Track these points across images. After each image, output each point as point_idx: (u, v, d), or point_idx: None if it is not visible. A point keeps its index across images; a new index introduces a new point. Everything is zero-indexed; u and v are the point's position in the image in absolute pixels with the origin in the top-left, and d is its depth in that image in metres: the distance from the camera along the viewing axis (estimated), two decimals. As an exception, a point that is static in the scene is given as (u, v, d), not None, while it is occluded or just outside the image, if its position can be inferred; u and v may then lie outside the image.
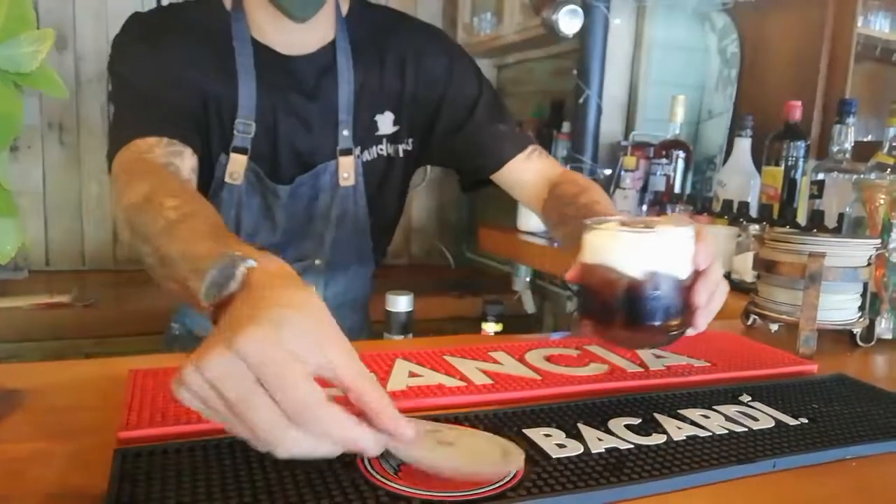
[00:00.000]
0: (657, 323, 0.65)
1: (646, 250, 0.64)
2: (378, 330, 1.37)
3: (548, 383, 0.69)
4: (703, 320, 0.68)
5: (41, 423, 0.56)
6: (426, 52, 1.13)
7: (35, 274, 2.20)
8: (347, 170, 1.12)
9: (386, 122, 1.14)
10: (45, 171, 2.28)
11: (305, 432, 0.42)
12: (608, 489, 0.49)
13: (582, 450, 0.54)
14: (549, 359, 0.76)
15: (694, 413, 0.63)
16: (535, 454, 0.53)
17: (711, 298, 0.69)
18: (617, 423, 0.60)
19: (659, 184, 1.87)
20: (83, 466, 0.49)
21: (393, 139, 1.15)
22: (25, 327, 1.76)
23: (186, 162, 0.93)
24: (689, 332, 0.68)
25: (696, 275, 0.67)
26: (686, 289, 0.66)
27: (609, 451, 0.54)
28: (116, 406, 0.59)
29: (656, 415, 0.62)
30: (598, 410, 0.63)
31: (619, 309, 0.65)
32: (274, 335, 0.43)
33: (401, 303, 0.95)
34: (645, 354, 0.80)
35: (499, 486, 0.47)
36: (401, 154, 1.16)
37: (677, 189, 1.86)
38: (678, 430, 0.59)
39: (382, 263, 1.32)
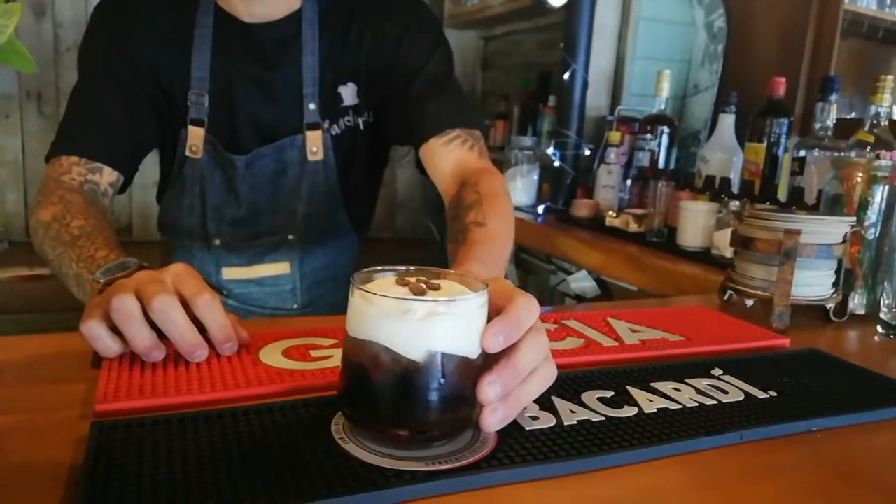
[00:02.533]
0: (424, 418, 0.48)
1: (409, 323, 0.46)
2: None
3: (524, 357, 0.69)
4: (492, 419, 0.49)
5: (19, 397, 0.56)
6: (384, 20, 1.09)
7: (16, 245, 2.18)
8: (316, 143, 1.10)
9: (349, 94, 1.12)
10: (24, 142, 2.24)
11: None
12: (579, 460, 0.50)
13: (554, 422, 0.55)
14: (526, 333, 0.77)
15: (666, 386, 0.64)
16: (508, 426, 0.54)
17: (510, 394, 0.50)
18: (590, 396, 0.61)
19: (643, 159, 1.88)
20: (61, 439, 0.49)
21: (357, 111, 1.13)
22: (4, 300, 1.75)
23: (105, 178, 1.01)
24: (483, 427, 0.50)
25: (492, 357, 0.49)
26: (477, 372, 0.49)
27: (581, 423, 0.55)
28: (92, 380, 0.59)
29: (629, 388, 0.63)
30: (571, 383, 0.64)
31: (379, 399, 0.48)
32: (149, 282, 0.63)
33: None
34: (621, 329, 0.81)
35: (472, 458, 0.48)
36: (361, 126, 1.14)
37: (661, 164, 1.87)
38: (649, 403, 0.60)
39: (367, 237, 1.32)
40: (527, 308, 0.52)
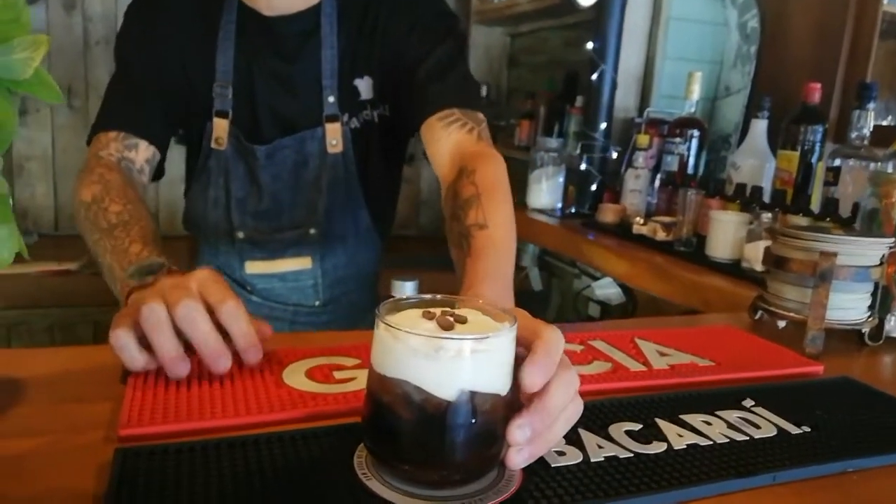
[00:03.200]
0: (453, 459, 0.47)
1: (439, 362, 0.44)
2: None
3: (550, 382, 0.68)
4: (517, 459, 0.48)
5: (44, 417, 0.56)
6: (397, 13, 1.10)
7: (44, 238, 2.21)
8: (335, 136, 1.11)
9: (365, 87, 1.13)
10: (53, 135, 2.27)
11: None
12: (606, 503, 0.48)
13: (581, 458, 0.54)
14: (552, 355, 0.76)
15: (696, 419, 0.63)
16: (534, 463, 0.53)
17: (538, 435, 0.48)
18: (617, 429, 0.59)
19: (672, 163, 1.85)
20: (84, 465, 0.49)
21: (373, 104, 1.14)
22: (34, 294, 1.77)
23: (140, 154, 1.05)
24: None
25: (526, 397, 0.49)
26: (508, 408, 0.48)
27: (609, 459, 0.54)
28: (117, 398, 0.59)
29: (658, 419, 0.62)
30: (599, 413, 0.62)
31: (406, 439, 0.47)
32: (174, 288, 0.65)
33: (407, 289, 0.94)
34: (649, 352, 0.79)
35: (497, 499, 0.47)
36: (376, 120, 1.15)
37: (690, 170, 1.84)
38: (679, 438, 0.58)
39: (393, 235, 1.33)
40: (557, 342, 0.51)
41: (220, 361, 0.63)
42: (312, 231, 1.16)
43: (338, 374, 0.66)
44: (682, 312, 1.31)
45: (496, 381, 0.47)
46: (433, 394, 0.45)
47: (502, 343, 0.47)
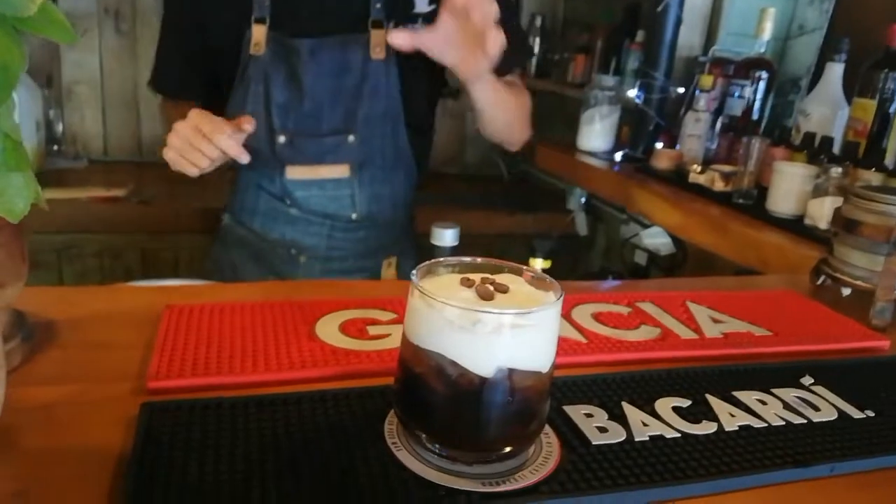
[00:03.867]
0: (487, 437, 0.45)
1: (478, 336, 0.42)
2: (426, 245, 1.37)
3: (593, 348, 0.65)
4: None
5: (73, 363, 0.56)
6: None
7: (94, 164, 2.23)
8: (379, 43, 1.11)
9: (423, 0, 1.12)
10: (101, 60, 2.26)
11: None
12: (649, 489, 0.45)
13: (624, 436, 0.51)
14: (596, 317, 0.72)
15: (750, 396, 0.59)
16: (573, 438, 0.50)
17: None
18: (664, 405, 0.56)
19: (736, 107, 1.74)
20: (111, 418, 0.48)
21: (427, 18, 1.11)
22: (83, 220, 1.80)
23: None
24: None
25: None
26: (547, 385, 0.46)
27: (654, 439, 0.51)
28: (149, 345, 0.58)
29: (708, 395, 0.58)
30: (645, 385, 0.59)
31: (439, 414, 0.45)
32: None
33: (446, 237, 0.91)
34: (702, 318, 0.75)
35: (533, 479, 0.44)
36: None
37: (755, 115, 1.73)
38: (731, 419, 0.55)
39: (433, 171, 1.32)
40: None
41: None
42: (351, 138, 1.16)
43: (372, 330, 0.64)
44: (737, 271, 1.25)
45: (537, 359, 0.44)
46: (469, 369, 0.42)
47: (546, 318, 0.43)
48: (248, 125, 0.98)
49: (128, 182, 1.95)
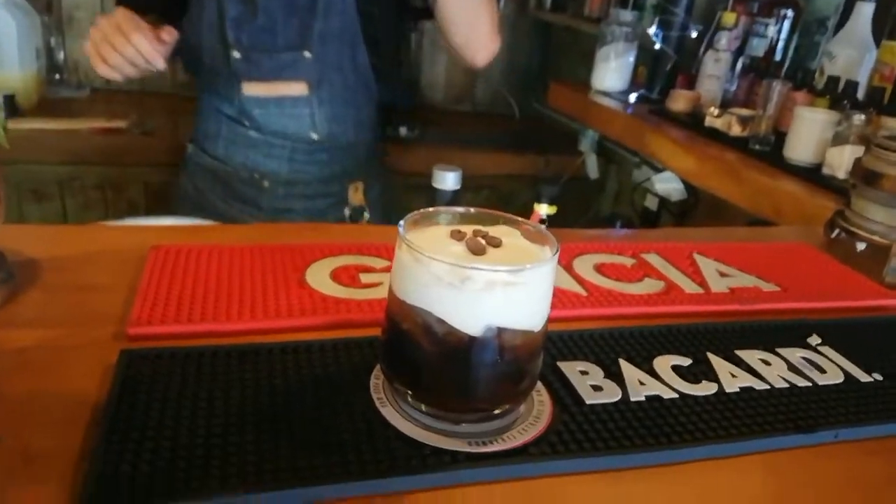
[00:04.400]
0: (475, 396, 0.43)
1: (466, 293, 0.39)
2: (402, 184, 1.36)
3: (593, 301, 0.63)
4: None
5: (54, 306, 0.54)
6: None
7: (96, 92, 2.18)
8: None
9: None
10: (100, -17, 2.18)
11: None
12: (643, 453, 0.44)
13: (620, 396, 0.49)
14: (599, 268, 0.69)
15: (753, 356, 0.56)
16: (566, 397, 0.48)
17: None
18: (664, 363, 0.54)
19: (758, 47, 1.67)
20: (90, 364, 0.47)
21: None
22: (84, 151, 1.77)
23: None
24: None
25: None
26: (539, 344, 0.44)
27: (650, 399, 0.49)
28: (132, 287, 0.56)
29: (710, 354, 0.56)
30: (645, 342, 0.57)
31: (426, 373, 0.43)
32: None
33: (448, 180, 0.88)
34: (709, 271, 0.72)
35: (522, 440, 0.43)
36: None
37: (778, 56, 1.66)
38: (732, 379, 0.53)
39: (440, 108, 1.29)
40: None
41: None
42: (307, 55, 1.14)
43: (365, 278, 0.61)
44: (750, 221, 1.21)
45: (529, 317, 0.42)
46: (456, 327, 0.40)
47: (540, 275, 0.41)
48: (168, 35, 1.00)
49: (130, 113, 1.91)
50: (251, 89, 1.16)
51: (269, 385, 0.46)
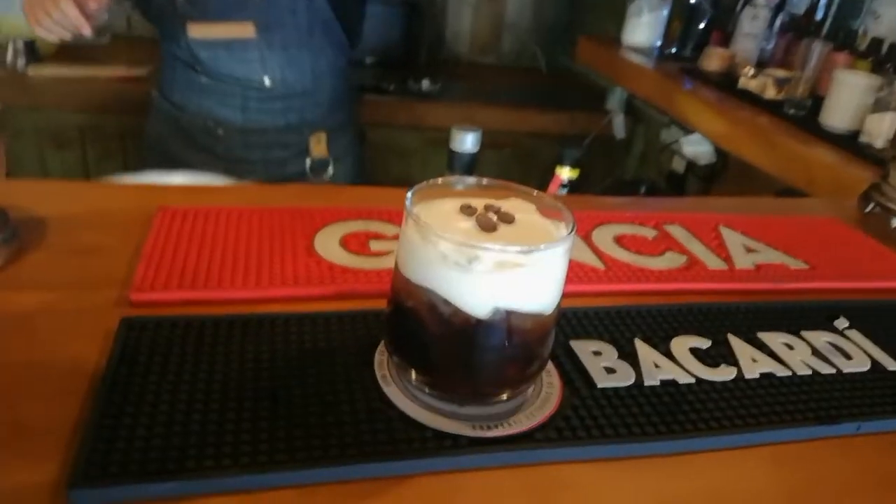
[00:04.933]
0: (480, 380, 0.41)
1: (474, 274, 0.37)
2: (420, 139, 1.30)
3: (611, 276, 0.60)
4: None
5: (57, 267, 0.53)
6: None
7: (117, 39, 2.15)
8: None
9: None
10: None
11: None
12: (655, 441, 0.42)
13: (633, 379, 0.47)
14: (619, 240, 0.67)
15: (776, 339, 0.54)
16: (577, 379, 0.46)
17: None
18: (681, 344, 0.52)
19: (799, 4, 1.59)
20: (90, 330, 0.46)
21: None
22: (104, 99, 1.75)
23: None
24: None
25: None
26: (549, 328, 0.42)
27: (665, 384, 0.47)
28: (139, 249, 0.55)
29: (730, 336, 0.54)
30: (663, 321, 0.54)
31: (431, 354, 0.41)
32: None
33: (466, 141, 0.85)
34: (734, 245, 0.69)
35: (528, 425, 0.41)
36: None
37: (819, 14, 1.57)
38: (752, 364, 0.50)
39: (464, 60, 1.24)
40: None
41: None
42: None
43: (374, 245, 0.60)
44: (779, 190, 1.17)
45: (540, 300, 0.40)
46: (463, 309, 0.38)
47: (553, 256, 0.39)
48: (95, 3, 1.00)
49: (150, 61, 1.88)
50: (196, 31, 1.12)
51: (270, 359, 0.44)
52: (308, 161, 1.16)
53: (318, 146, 1.18)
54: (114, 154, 1.83)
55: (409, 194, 0.40)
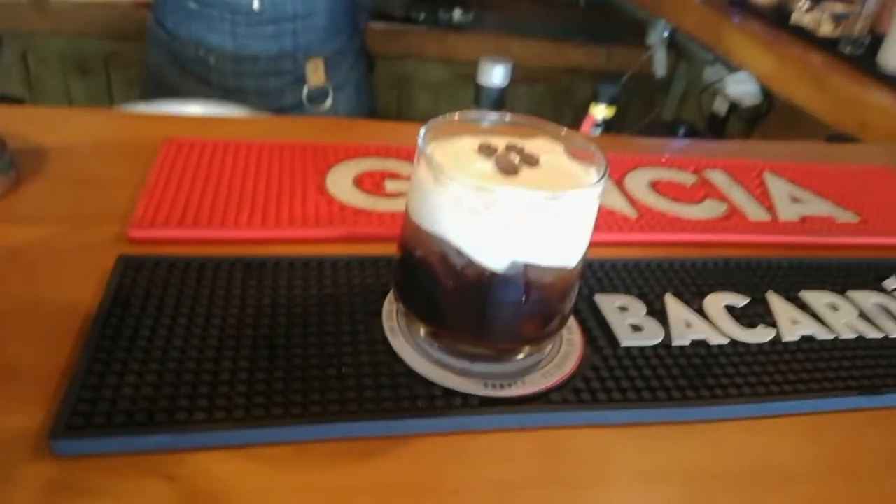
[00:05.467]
0: (495, 337, 0.38)
1: (491, 223, 0.33)
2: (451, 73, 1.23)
3: (643, 225, 0.56)
4: None
5: (57, 200, 0.50)
6: None
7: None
8: None
9: None
10: None
11: None
12: (681, 407, 0.39)
13: (661, 338, 0.44)
14: (654, 186, 0.62)
15: (820, 299, 0.50)
16: (600, 336, 0.43)
17: None
18: (716, 302, 0.48)
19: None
20: (86, 268, 0.43)
21: None
22: (127, 26, 1.71)
23: None
24: None
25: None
26: (569, 282, 0.38)
27: (695, 345, 0.44)
28: (143, 182, 0.52)
29: (770, 294, 0.50)
30: (697, 276, 0.51)
31: (443, 308, 0.38)
32: None
33: (494, 74, 0.80)
34: (779, 194, 0.64)
35: (544, 385, 0.38)
36: None
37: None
38: (792, 326, 0.47)
39: None
40: None
41: None
42: None
43: (390, 185, 0.56)
44: (829, 136, 1.10)
45: (563, 253, 0.36)
46: (476, 261, 0.35)
47: (580, 204, 0.35)
48: None
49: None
50: None
51: (272, 305, 0.42)
52: (305, 90, 1.09)
53: (316, 74, 1.11)
54: (138, 82, 1.80)
55: (422, 130, 0.36)
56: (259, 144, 0.59)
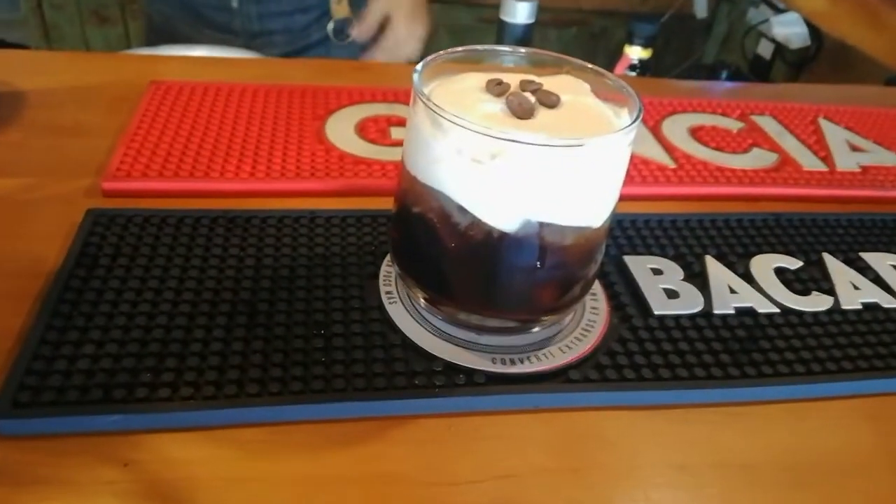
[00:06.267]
0: (506, 306, 0.33)
1: (498, 175, 0.28)
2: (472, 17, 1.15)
3: (682, 177, 0.50)
4: None
5: (30, 149, 0.46)
6: None
7: None
8: None
9: None
10: None
11: None
12: (721, 387, 0.34)
13: (701, 306, 0.38)
14: (695, 133, 0.56)
15: (883, 261, 0.44)
16: (629, 304, 0.37)
17: None
18: (764, 264, 0.42)
19: None
20: (56, 222, 0.39)
21: None
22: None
23: None
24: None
25: None
26: (593, 244, 0.32)
27: (741, 312, 0.38)
28: (121, 129, 0.47)
29: (826, 256, 0.43)
30: (744, 234, 0.44)
31: (445, 271, 0.32)
32: None
33: (518, 10, 0.73)
34: (835, 142, 0.57)
35: (562, 360, 0.33)
36: None
37: None
38: (853, 293, 0.41)
39: None
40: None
41: None
42: None
43: (396, 133, 0.50)
44: (889, 78, 1.00)
45: (587, 211, 0.30)
46: (482, 219, 0.29)
47: (607, 153, 0.29)
48: None
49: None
50: None
51: (256, 265, 0.37)
52: (330, 24, 1.03)
53: (340, 5, 1.05)
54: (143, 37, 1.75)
55: (418, 67, 0.31)
56: (255, 87, 0.54)
